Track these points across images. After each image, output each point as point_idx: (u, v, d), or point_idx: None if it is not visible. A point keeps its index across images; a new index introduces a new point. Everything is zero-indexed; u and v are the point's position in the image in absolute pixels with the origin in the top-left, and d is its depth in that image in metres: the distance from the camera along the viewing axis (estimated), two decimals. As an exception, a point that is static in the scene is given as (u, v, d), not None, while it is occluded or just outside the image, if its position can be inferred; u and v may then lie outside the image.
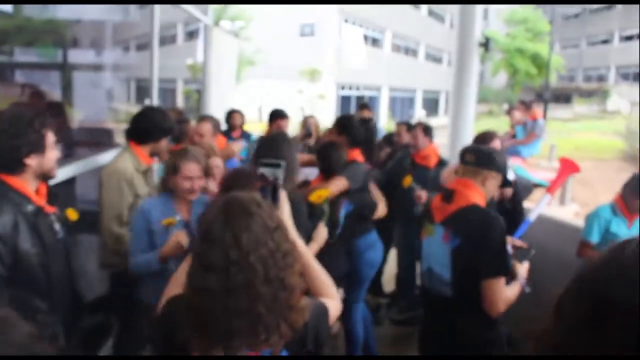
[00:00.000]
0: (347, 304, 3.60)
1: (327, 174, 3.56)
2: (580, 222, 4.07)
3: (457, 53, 5.69)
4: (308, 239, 2.69)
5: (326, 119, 21.07)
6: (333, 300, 1.72)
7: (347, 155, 3.69)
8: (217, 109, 6.35)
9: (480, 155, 2.57)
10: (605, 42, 47.24)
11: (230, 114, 6.19)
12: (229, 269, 1.29)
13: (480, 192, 2.54)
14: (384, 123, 27.18)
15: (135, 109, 8.15)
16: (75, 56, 5.90)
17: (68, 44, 5.70)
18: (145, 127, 3.33)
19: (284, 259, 1.36)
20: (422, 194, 4.06)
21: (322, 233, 2.80)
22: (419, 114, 36.52)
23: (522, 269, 2.65)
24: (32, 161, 2.19)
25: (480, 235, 2.42)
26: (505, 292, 2.46)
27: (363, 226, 3.74)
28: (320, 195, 3.16)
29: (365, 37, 32.21)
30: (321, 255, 2.30)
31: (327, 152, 3.62)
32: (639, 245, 0.88)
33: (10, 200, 2.12)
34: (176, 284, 1.64)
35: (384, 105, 34.42)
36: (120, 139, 4.76)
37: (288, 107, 5.68)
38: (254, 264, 1.30)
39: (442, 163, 4.60)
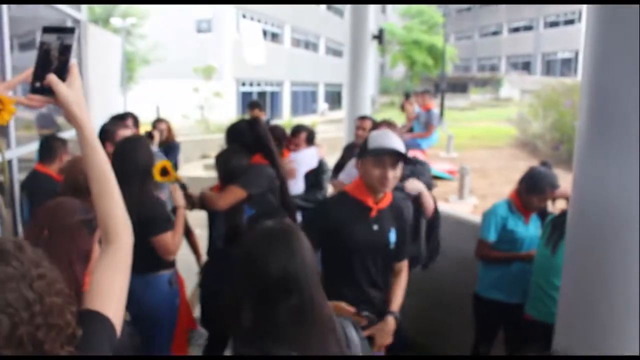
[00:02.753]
0: None
1: (225, 182, 3.38)
2: (477, 218, 3.97)
3: (350, 46, 5.60)
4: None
5: (226, 116, 20.78)
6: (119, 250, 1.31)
7: (248, 160, 3.46)
8: (99, 112, 5.84)
9: None
10: (495, 33, 49.62)
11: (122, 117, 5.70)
12: None
13: None
14: (286, 118, 27.03)
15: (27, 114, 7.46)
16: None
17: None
18: None
19: (46, 316, 0.99)
20: None
21: (177, 194, 3.13)
22: (321, 107, 36.71)
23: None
24: None
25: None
26: None
27: None
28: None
29: (265, 32, 31.89)
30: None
31: (222, 160, 3.46)
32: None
33: None
34: None
35: (287, 100, 34.30)
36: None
37: (184, 106, 5.47)
38: None
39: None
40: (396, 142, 2.50)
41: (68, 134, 4.24)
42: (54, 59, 1.26)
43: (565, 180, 3.35)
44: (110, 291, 1.24)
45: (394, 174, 2.48)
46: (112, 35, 7.63)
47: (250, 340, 1.54)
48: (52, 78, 1.23)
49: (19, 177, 4.30)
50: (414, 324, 3.58)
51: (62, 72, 1.25)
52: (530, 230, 3.43)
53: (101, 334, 1.15)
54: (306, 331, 1.54)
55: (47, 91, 1.23)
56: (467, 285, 3.64)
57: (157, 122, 5.77)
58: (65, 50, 1.27)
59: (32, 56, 1.29)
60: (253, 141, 3.49)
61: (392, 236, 2.61)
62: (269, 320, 1.54)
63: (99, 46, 6.26)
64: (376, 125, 4.28)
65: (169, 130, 5.79)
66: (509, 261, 3.42)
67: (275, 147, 3.61)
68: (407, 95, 8.92)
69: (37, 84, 1.24)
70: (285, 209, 3.50)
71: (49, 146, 3.89)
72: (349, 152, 4.69)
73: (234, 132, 3.59)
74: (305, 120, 21.29)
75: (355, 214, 2.55)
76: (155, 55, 26.13)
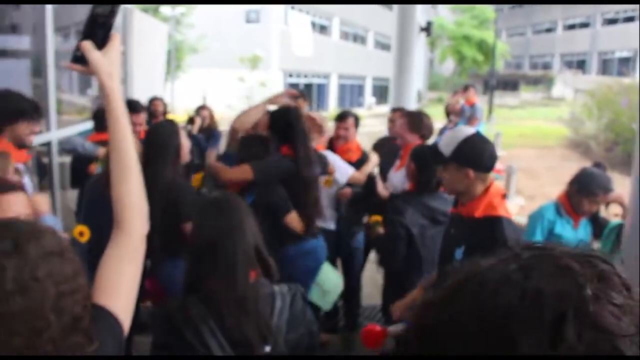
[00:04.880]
0: None
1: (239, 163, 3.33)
2: (524, 219, 3.79)
3: (397, 38, 5.48)
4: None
5: (271, 107, 20.67)
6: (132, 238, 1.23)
7: (274, 149, 3.40)
8: (142, 98, 5.87)
9: None
10: (549, 30, 48.28)
11: (152, 102, 5.73)
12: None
13: None
14: (332, 110, 26.96)
15: (79, 99, 7.61)
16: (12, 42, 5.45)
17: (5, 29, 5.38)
18: None
19: (82, 293, 0.95)
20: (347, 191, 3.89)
21: None
22: (368, 101, 36.48)
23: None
24: None
25: None
26: None
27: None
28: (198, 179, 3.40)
29: (313, 24, 31.81)
30: None
31: (245, 143, 3.41)
32: (481, 284, 0.59)
33: None
34: None
35: (333, 92, 34.19)
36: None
37: (230, 96, 5.50)
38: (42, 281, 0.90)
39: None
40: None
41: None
42: (96, 31, 1.28)
43: (620, 184, 3.15)
44: (117, 284, 1.14)
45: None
46: (159, 23, 7.67)
47: (186, 294, 1.82)
48: (85, 44, 1.23)
49: (58, 159, 4.34)
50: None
51: (102, 43, 1.27)
52: (579, 235, 3.23)
53: (103, 330, 1.03)
54: (225, 294, 1.74)
55: (84, 60, 1.25)
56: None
57: (200, 108, 5.81)
58: (106, 22, 1.29)
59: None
60: (283, 130, 3.40)
61: None
62: (197, 280, 1.79)
63: (144, 33, 6.28)
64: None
65: (211, 117, 5.81)
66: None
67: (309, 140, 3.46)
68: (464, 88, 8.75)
69: (78, 53, 1.26)
70: (298, 206, 3.32)
71: (103, 117, 3.89)
72: (382, 147, 4.57)
73: (271, 119, 3.52)
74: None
75: None
76: (203, 44, 26.37)
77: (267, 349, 1.78)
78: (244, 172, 3.21)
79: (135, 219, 1.23)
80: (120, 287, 1.14)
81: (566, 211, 3.24)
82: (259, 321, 1.77)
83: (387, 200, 3.59)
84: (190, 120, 5.27)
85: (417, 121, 3.80)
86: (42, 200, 2.46)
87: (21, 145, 2.94)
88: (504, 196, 2.35)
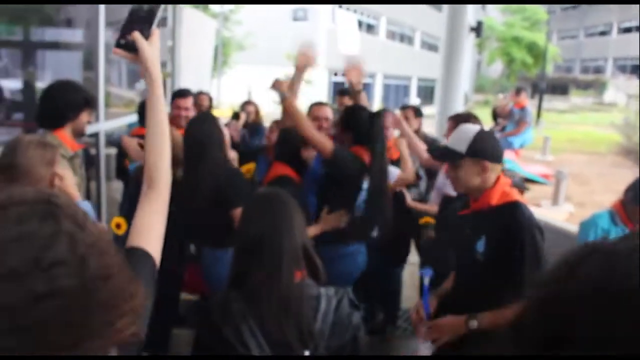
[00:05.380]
0: None
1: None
2: (574, 227, 3.65)
3: (447, 38, 5.38)
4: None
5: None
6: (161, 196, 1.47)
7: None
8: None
9: None
10: (603, 33, 46.92)
11: (197, 95, 5.75)
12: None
13: None
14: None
15: (127, 93, 7.76)
16: (66, 35, 5.57)
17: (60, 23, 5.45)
18: (55, 107, 2.90)
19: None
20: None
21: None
22: (413, 102, 36.19)
23: None
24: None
25: None
26: None
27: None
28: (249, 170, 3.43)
29: (360, 23, 31.70)
30: None
31: (283, 137, 3.36)
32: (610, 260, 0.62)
33: None
34: None
35: (378, 92, 34.00)
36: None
37: (275, 92, 5.49)
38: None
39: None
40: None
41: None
42: (140, 22, 1.45)
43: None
44: (151, 230, 1.38)
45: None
46: (207, 19, 7.74)
47: (230, 290, 1.78)
48: (137, 35, 1.42)
49: (105, 151, 4.41)
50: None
51: (146, 34, 1.44)
52: (635, 245, 3.08)
53: (145, 266, 1.29)
54: (268, 292, 1.70)
55: (130, 48, 1.42)
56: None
57: (246, 104, 5.76)
58: (150, 16, 1.46)
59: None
60: (361, 131, 3.30)
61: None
62: (242, 275, 1.76)
63: (193, 28, 6.34)
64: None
65: (256, 113, 5.77)
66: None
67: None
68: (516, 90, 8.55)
69: (122, 41, 1.43)
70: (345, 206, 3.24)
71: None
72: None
73: (349, 115, 3.44)
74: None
75: None
76: (250, 41, 26.57)
77: (307, 352, 1.73)
78: (326, 141, 3.09)
79: (165, 178, 1.49)
80: (152, 233, 1.38)
81: (622, 220, 3.10)
82: (301, 323, 1.71)
83: (443, 202, 3.50)
84: (236, 115, 5.27)
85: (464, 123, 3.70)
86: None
87: (80, 134, 3.04)
88: (511, 186, 2.38)
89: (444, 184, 3.56)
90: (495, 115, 8.78)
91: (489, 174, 2.33)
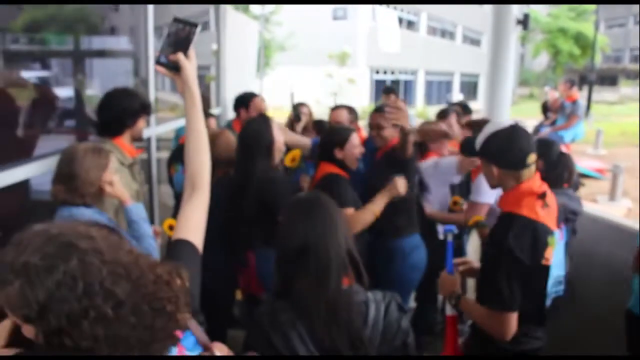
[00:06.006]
0: None
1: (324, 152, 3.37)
2: (633, 223, 3.52)
3: (492, 32, 5.25)
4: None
5: (358, 104, 20.78)
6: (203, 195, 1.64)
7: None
8: (234, 94, 5.96)
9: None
10: (653, 20, 45.36)
11: (252, 99, 5.74)
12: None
13: None
14: (420, 107, 26.57)
15: (171, 97, 7.89)
16: (112, 43, 5.71)
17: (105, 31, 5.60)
18: (114, 115, 2.96)
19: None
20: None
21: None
22: (456, 97, 35.72)
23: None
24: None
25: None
26: None
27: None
28: (294, 157, 3.51)
29: (400, 20, 31.44)
30: None
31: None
32: None
33: None
34: None
35: (420, 89, 33.68)
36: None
37: (318, 92, 5.41)
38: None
39: None
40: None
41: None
42: (179, 41, 1.58)
43: None
44: (197, 225, 1.56)
45: None
46: (250, 21, 7.79)
47: (274, 300, 1.77)
48: (181, 56, 1.58)
49: (157, 155, 4.47)
50: (551, 339, 3.23)
51: (185, 53, 1.58)
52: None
53: (191, 255, 1.49)
54: (316, 300, 1.67)
55: (172, 67, 1.58)
56: (618, 299, 3.21)
57: (300, 105, 5.46)
58: (188, 36, 1.59)
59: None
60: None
61: None
62: (287, 284, 1.74)
63: (237, 30, 6.37)
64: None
65: (310, 114, 5.52)
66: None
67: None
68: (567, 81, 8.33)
69: (162, 59, 1.58)
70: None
71: None
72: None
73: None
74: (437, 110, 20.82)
75: None
76: (291, 42, 26.64)
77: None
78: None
79: (206, 180, 1.64)
80: (198, 227, 1.56)
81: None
82: (351, 330, 1.67)
83: None
84: (297, 117, 5.06)
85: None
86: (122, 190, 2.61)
87: (138, 139, 3.12)
88: (541, 196, 2.21)
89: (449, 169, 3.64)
90: (546, 109, 8.57)
91: (501, 178, 2.27)
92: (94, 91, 5.58)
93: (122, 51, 5.76)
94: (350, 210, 3.04)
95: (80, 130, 5.12)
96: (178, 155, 3.84)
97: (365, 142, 3.65)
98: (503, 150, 2.24)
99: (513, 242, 2.11)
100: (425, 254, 3.50)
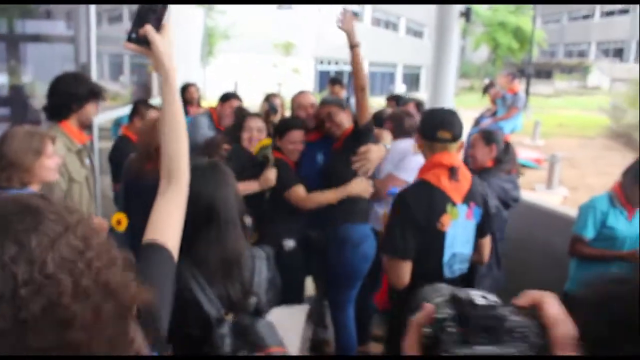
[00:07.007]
0: (340, 303, 3.50)
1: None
2: (569, 210, 3.65)
3: (436, 22, 5.31)
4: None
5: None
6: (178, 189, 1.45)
7: None
8: (179, 83, 5.85)
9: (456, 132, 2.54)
10: (586, 17, 47.03)
11: (186, 88, 5.63)
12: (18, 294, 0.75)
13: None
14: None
15: (112, 86, 7.64)
16: (48, 28, 5.48)
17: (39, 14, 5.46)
18: (61, 99, 2.97)
19: (100, 256, 0.85)
20: None
21: (269, 175, 3.23)
22: (399, 89, 36.16)
23: None
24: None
25: (486, 201, 2.63)
26: None
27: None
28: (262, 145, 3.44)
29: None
30: None
31: None
32: None
33: None
34: None
35: (364, 80, 33.95)
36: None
37: (263, 82, 5.26)
38: (55, 275, 0.78)
39: None
40: None
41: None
42: (150, 16, 1.43)
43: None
44: (169, 225, 1.36)
45: None
46: (194, 8, 7.61)
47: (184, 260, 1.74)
48: (149, 29, 1.38)
49: (98, 145, 4.40)
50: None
51: (157, 28, 1.42)
52: (633, 227, 3.11)
53: (160, 261, 1.27)
54: (215, 257, 1.83)
55: (143, 42, 1.41)
56: (556, 282, 3.34)
57: (271, 97, 5.07)
58: (160, 11, 1.45)
59: (119, 28, 1.43)
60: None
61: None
62: (193, 244, 1.79)
63: (180, 18, 6.23)
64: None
65: (282, 106, 5.10)
66: (607, 260, 3.09)
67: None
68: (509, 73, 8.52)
69: (133, 35, 1.42)
70: None
71: (137, 110, 4.26)
72: None
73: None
74: (382, 101, 21.03)
75: None
76: (235, 31, 26.33)
77: (254, 299, 1.93)
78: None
79: (184, 170, 1.46)
80: (171, 227, 1.36)
81: (620, 202, 3.13)
82: (243, 281, 1.91)
83: None
84: (274, 110, 4.67)
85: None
86: None
87: (86, 126, 3.14)
88: (451, 169, 2.45)
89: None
90: (486, 91, 8.74)
91: (422, 147, 2.58)
92: (29, 78, 5.36)
93: (60, 36, 5.55)
94: (300, 188, 3.24)
95: (16, 119, 4.92)
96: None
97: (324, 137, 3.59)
98: (422, 122, 2.64)
99: (411, 200, 2.42)
100: (375, 245, 3.49)
